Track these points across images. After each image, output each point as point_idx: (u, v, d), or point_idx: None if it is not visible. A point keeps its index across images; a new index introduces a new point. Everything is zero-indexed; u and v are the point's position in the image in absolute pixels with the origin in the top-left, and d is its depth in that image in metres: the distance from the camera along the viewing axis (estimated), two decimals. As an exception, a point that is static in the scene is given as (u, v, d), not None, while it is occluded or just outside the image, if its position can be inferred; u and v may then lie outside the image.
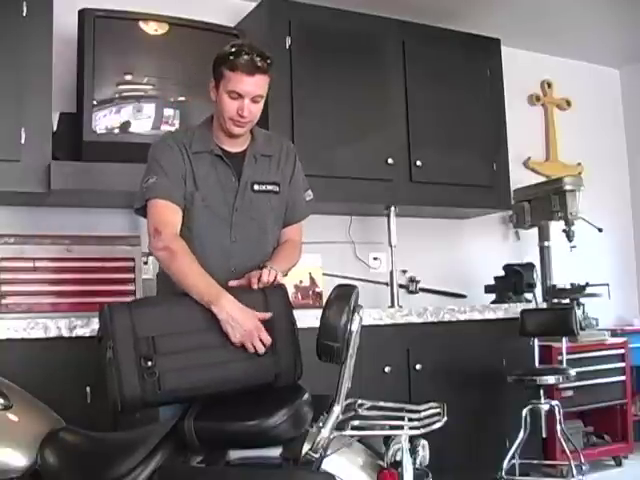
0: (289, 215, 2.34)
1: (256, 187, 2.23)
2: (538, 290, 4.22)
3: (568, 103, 5.03)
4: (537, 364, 3.61)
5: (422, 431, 1.75)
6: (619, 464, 4.08)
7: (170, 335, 1.83)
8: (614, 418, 4.17)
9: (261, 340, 1.88)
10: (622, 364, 4.13)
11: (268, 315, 1.92)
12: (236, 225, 2.20)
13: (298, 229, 2.39)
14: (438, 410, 1.84)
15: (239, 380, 1.85)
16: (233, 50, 2.09)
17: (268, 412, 1.70)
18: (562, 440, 3.44)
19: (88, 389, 2.59)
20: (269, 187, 2.26)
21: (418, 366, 3.37)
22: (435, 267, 4.27)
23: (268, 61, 2.11)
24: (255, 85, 2.10)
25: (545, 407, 3.45)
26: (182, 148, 2.19)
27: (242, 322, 1.87)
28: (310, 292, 3.74)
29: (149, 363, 1.79)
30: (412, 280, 4.17)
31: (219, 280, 2.10)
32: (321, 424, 1.70)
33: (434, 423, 1.78)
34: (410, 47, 3.89)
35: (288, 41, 3.56)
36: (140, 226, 3.17)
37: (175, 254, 2.05)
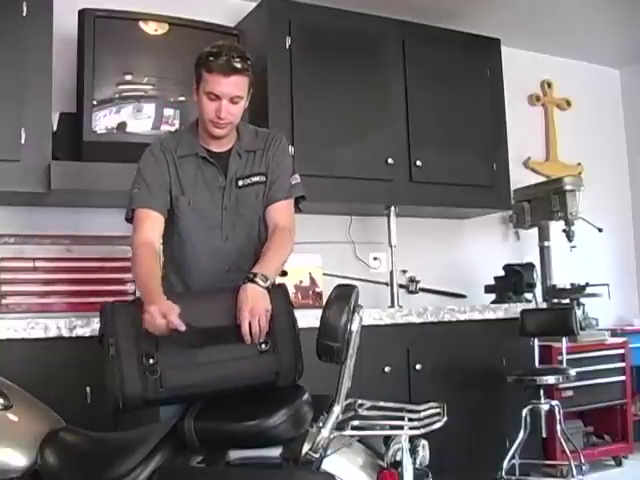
0: (271, 194, 2.25)
1: (240, 182, 2.23)
2: (538, 290, 4.22)
3: (568, 103, 5.03)
4: (537, 364, 3.61)
5: (422, 431, 1.75)
6: (619, 464, 4.08)
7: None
8: (614, 418, 4.16)
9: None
10: (622, 364, 4.13)
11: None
12: (226, 224, 2.21)
13: (285, 212, 2.26)
14: (438, 410, 1.84)
15: (240, 378, 1.85)
16: (211, 51, 2.10)
17: (268, 412, 1.70)
18: (562, 440, 3.44)
19: (88, 389, 2.59)
20: (254, 179, 2.25)
21: (418, 366, 3.37)
22: (435, 267, 4.27)
23: (248, 62, 2.11)
24: (233, 86, 2.10)
25: (545, 407, 3.45)
26: (167, 155, 2.21)
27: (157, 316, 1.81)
28: (310, 292, 3.74)
29: (151, 360, 1.79)
30: (412, 280, 4.17)
31: (215, 280, 2.12)
32: (321, 424, 1.70)
33: (434, 423, 1.78)
34: (410, 47, 3.89)
35: (288, 41, 3.56)
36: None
37: (136, 260, 2.08)
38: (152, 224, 2.16)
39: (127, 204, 2.22)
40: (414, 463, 1.76)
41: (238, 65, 2.08)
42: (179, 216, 2.21)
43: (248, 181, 2.24)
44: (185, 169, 2.21)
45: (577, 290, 4.21)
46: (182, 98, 3.28)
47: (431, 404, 1.86)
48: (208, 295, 2.04)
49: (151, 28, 3.26)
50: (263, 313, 1.86)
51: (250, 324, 1.83)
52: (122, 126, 3.15)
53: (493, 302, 4.11)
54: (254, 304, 1.86)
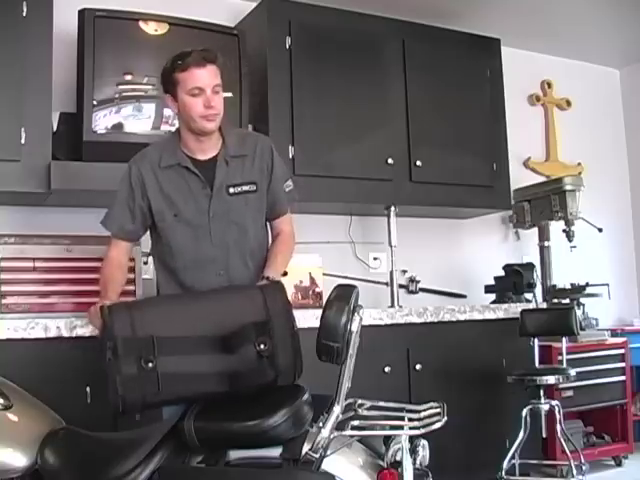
0: (273, 211, 2.39)
1: (231, 190, 2.27)
2: (538, 290, 4.21)
3: (568, 103, 5.03)
4: (537, 364, 3.61)
5: (422, 431, 1.74)
6: (619, 464, 4.08)
7: (170, 336, 1.83)
8: (614, 418, 4.16)
9: None
10: (622, 364, 4.13)
11: None
12: (215, 231, 2.24)
13: (287, 219, 2.45)
14: (438, 410, 1.84)
15: (238, 378, 1.85)
16: (177, 56, 2.21)
17: (268, 412, 1.70)
18: (562, 440, 3.44)
19: (88, 389, 2.59)
20: (245, 187, 2.30)
21: (418, 366, 3.37)
22: (435, 267, 4.27)
23: (214, 54, 2.20)
24: (210, 74, 2.19)
25: (545, 407, 3.45)
26: (148, 174, 2.28)
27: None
28: (310, 292, 3.74)
29: (149, 364, 1.79)
30: (412, 280, 4.17)
31: (207, 285, 2.16)
32: (321, 424, 1.70)
33: (434, 423, 1.77)
34: (410, 47, 3.89)
35: (288, 41, 3.56)
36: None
37: (103, 266, 2.42)
38: (121, 251, 2.40)
39: (106, 214, 2.38)
40: (414, 463, 1.76)
41: (206, 55, 2.18)
42: (164, 228, 2.26)
43: (239, 189, 2.29)
44: (170, 179, 2.26)
45: (577, 290, 4.21)
46: (182, 98, 3.28)
47: (431, 404, 1.86)
48: (205, 296, 2.06)
49: (151, 28, 3.26)
50: None
51: None
52: (122, 126, 3.15)
53: (493, 302, 4.11)
54: None
